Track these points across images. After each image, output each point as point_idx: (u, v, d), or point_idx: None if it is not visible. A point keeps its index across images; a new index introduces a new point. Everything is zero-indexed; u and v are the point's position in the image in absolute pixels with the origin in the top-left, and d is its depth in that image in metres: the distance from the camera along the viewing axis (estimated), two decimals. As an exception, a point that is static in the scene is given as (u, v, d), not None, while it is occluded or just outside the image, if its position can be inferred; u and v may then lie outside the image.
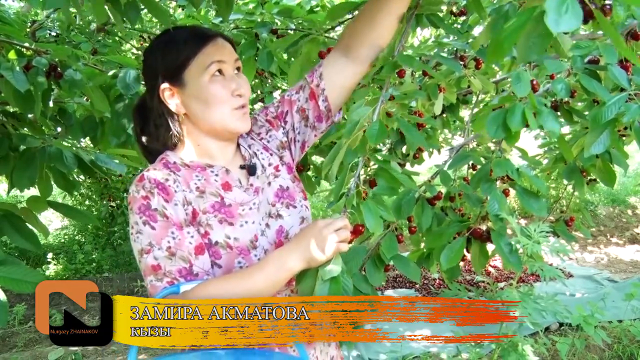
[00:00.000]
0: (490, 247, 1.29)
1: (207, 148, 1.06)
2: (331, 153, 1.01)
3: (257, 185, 1.08)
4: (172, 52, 1.00)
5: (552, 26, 0.49)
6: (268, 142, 1.16)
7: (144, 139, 1.08)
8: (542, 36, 0.55)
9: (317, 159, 2.54)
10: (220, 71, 1.01)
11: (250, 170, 1.08)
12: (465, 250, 1.29)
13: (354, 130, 0.99)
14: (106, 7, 1.35)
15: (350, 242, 0.96)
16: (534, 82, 1.09)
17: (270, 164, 1.13)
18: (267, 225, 1.05)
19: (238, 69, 1.05)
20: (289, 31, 1.88)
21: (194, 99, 1.01)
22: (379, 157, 1.13)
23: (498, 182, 1.21)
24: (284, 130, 1.17)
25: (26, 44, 1.76)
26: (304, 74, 1.19)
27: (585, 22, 0.57)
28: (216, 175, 1.04)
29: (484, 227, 1.25)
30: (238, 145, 1.13)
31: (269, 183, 1.10)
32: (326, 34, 1.77)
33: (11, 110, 2.06)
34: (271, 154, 1.15)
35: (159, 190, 0.96)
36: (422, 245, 1.56)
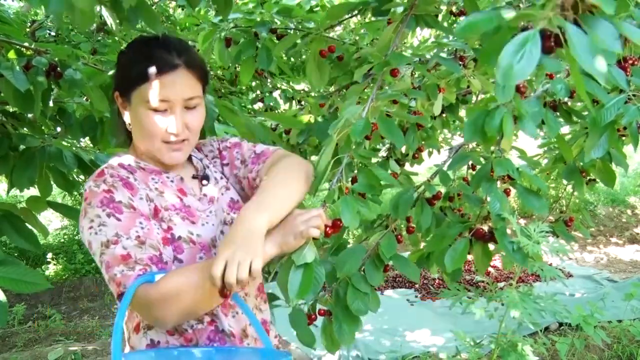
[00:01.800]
0: (490, 247, 1.29)
1: (154, 158, 1.07)
2: (322, 149, 1.02)
3: (211, 195, 1.10)
4: (129, 68, 1.01)
5: (499, 77, 0.49)
6: (214, 165, 1.18)
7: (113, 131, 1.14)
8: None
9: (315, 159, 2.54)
10: (163, 109, 0.98)
11: (204, 179, 1.11)
12: (465, 251, 1.29)
13: (340, 127, 1.00)
14: (105, 11, 1.35)
15: (328, 235, 0.99)
16: (521, 85, 1.09)
17: (221, 178, 1.16)
18: (222, 232, 1.07)
19: (192, 105, 1.01)
20: (289, 31, 1.88)
21: (133, 119, 1.03)
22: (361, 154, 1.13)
23: (498, 182, 1.21)
24: (222, 168, 1.19)
25: (26, 44, 1.75)
26: (324, 73, 1.19)
27: (549, 51, 0.56)
28: (171, 181, 1.07)
29: (485, 228, 1.25)
30: (189, 157, 1.14)
31: (222, 193, 1.13)
32: (325, 33, 1.78)
33: (11, 110, 2.06)
34: (217, 172, 1.18)
35: (123, 184, 0.98)
36: (422, 245, 1.56)
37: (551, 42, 0.55)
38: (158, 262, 0.94)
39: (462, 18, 2.51)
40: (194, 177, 1.11)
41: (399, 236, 1.36)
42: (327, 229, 0.97)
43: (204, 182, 1.11)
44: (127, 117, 1.05)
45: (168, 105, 0.98)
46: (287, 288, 0.92)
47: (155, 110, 0.98)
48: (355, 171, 1.10)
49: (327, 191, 1.03)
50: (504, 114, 1.01)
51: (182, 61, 0.99)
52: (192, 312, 0.94)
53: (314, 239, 0.95)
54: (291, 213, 0.95)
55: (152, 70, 0.96)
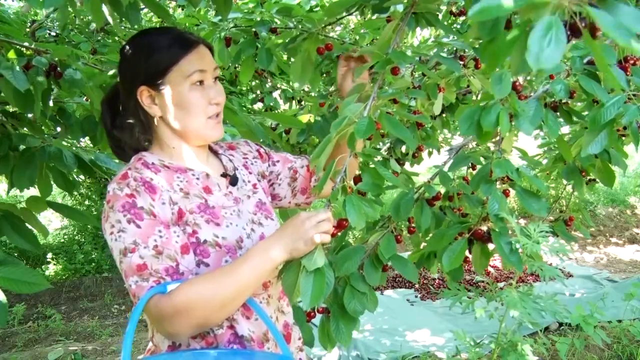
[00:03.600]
0: (490, 247, 1.29)
1: (182, 152, 1.07)
2: (320, 145, 1.01)
3: (236, 195, 1.10)
4: (154, 56, 1.00)
5: (532, 63, 0.48)
6: (252, 164, 1.20)
7: (115, 132, 1.09)
8: None
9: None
10: (200, 80, 1.02)
11: (233, 180, 1.11)
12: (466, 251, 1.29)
13: (342, 125, 0.99)
14: (105, 8, 1.34)
15: (333, 235, 0.97)
16: (517, 83, 1.09)
17: (249, 181, 1.16)
18: (253, 230, 1.07)
19: (216, 77, 1.07)
20: (289, 30, 1.88)
21: (172, 104, 1.02)
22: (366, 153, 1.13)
23: (498, 183, 1.21)
24: (268, 168, 1.23)
25: (26, 44, 1.75)
26: (306, 72, 1.21)
27: (569, 40, 0.56)
28: (197, 178, 1.06)
29: (484, 228, 1.25)
30: (216, 153, 1.16)
31: (248, 196, 1.13)
32: (324, 32, 1.77)
33: (11, 110, 2.06)
34: (250, 173, 1.18)
35: (145, 188, 0.96)
36: (422, 245, 1.56)
37: (576, 25, 0.55)
38: (174, 273, 0.93)
39: (462, 18, 2.52)
40: (223, 175, 1.11)
41: (399, 236, 1.36)
42: (333, 229, 0.97)
43: (232, 184, 1.11)
44: (155, 110, 1.03)
45: (204, 77, 1.02)
46: (293, 290, 0.92)
47: (196, 84, 1.01)
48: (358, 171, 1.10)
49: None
50: (500, 110, 1.01)
51: (199, 39, 1.05)
52: (205, 324, 0.93)
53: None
54: (298, 215, 0.94)
55: (184, 47, 1.01)
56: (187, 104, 1.01)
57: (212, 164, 1.13)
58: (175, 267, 0.94)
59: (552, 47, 0.49)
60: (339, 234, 1.04)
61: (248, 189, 1.14)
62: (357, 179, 1.02)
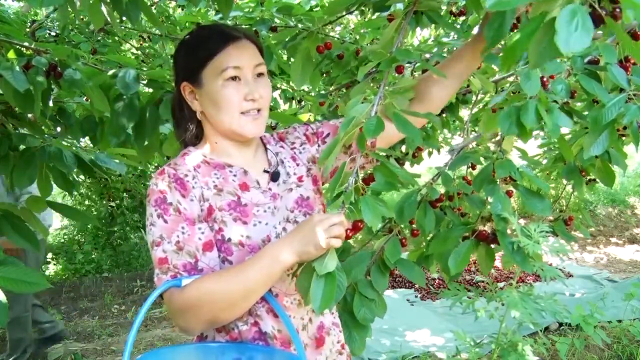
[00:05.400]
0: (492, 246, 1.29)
1: (224, 147, 1.08)
2: (327, 147, 1.01)
3: (275, 191, 1.09)
4: (193, 51, 1.03)
5: (562, 46, 0.49)
6: (300, 152, 1.19)
7: (175, 130, 1.13)
8: (553, 42, 0.54)
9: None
10: (236, 76, 1.02)
11: (273, 176, 1.10)
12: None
13: (350, 126, 0.99)
14: (104, 8, 1.34)
15: (348, 238, 0.97)
16: (544, 79, 1.09)
17: (295, 174, 1.15)
18: (284, 229, 1.07)
19: (260, 72, 1.06)
20: (288, 28, 1.88)
21: (208, 99, 1.03)
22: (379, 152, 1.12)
23: (500, 183, 1.21)
24: (318, 147, 1.20)
25: (26, 44, 1.75)
26: (306, 71, 1.20)
27: (596, 26, 0.57)
28: (234, 175, 1.06)
29: (488, 229, 1.25)
30: (265, 148, 1.15)
31: (290, 189, 1.12)
32: (323, 31, 1.77)
33: (11, 110, 2.06)
34: (298, 164, 1.17)
35: (176, 184, 0.99)
36: (422, 245, 1.56)
37: (597, 13, 0.56)
38: (192, 269, 0.96)
39: (462, 18, 2.52)
40: (265, 171, 1.11)
41: (404, 240, 1.35)
42: (347, 231, 0.96)
43: (272, 180, 1.10)
44: (196, 105, 1.06)
45: (241, 73, 1.02)
46: (307, 292, 0.92)
47: (230, 79, 1.01)
48: (363, 171, 1.09)
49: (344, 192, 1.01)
50: (537, 105, 1.01)
51: (242, 34, 1.05)
52: (214, 321, 0.95)
53: None
54: (311, 218, 0.94)
55: (220, 42, 1.02)
56: (220, 99, 1.01)
57: (258, 159, 1.13)
58: (194, 263, 0.96)
59: (580, 31, 0.49)
60: (354, 235, 1.03)
61: (292, 181, 1.13)
62: (370, 179, 1.01)
